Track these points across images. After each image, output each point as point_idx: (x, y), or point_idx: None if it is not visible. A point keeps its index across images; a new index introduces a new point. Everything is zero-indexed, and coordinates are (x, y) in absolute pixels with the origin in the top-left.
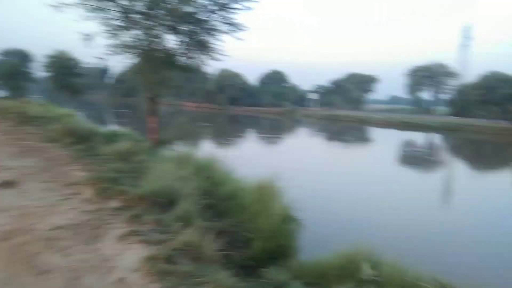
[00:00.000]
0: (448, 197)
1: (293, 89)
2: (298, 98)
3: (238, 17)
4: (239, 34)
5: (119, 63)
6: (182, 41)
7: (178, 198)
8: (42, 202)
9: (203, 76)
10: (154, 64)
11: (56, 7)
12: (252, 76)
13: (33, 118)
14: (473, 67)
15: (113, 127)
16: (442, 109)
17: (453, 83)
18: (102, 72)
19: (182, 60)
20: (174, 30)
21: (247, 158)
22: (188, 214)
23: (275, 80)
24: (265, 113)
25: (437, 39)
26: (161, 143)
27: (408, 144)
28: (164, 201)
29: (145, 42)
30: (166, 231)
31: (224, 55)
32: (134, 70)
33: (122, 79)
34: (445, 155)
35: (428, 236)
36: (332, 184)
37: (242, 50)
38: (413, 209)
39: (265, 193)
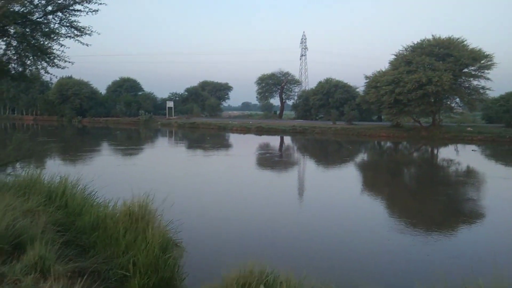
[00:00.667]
0: (301, 192)
1: (148, 97)
2: (154, 106)
3: (83, 20)
4: (85, 39)
5: None
6: (12, 45)
7: (26, 241)
8: None
9: (42, 85)
10: None
11: None
12: (101, 84)
13: None
14: (311, 74)
15: None
16: (289, 113)
17: (297, 89)
18: None
19: (14, 67)
20: (1, 32)
21: (106, 177)
22: (42, 260)
23: (127, 88)
24: (119, 123)
25: (283, 48)
26: None
27: (264, 147)
28: (6, 248)
29: None
30: None
31: (68, 61)
32: None
33: None
34: (296, 155)
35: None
36: (202, 194)
37: (90, 57)
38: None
39: (136, 219)
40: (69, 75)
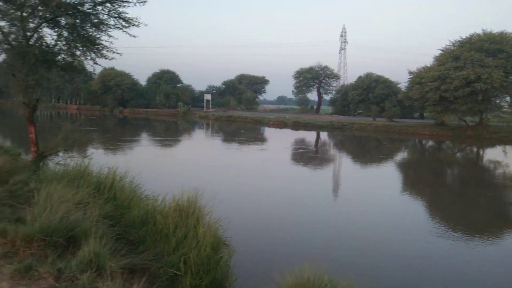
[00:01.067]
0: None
1: (187, 89)
2: (192, 98)
3: (130, 11)
4: (132, 30)
5: None
6: (63, 36)
7: (79, 234)
8: None
9: (86, 76)
10: (29, 62)
11: None
12: (142, 75)
13: None
14: (350, 68)
15: None
16: (326, 108)
17: (335, 83)
18: None
19: (63, 57)
20: (53, 23)
21: (149, 168)
22: (97, 257)
23: (166, 80)
24: (158, 115)
25: (322, 42)
26: (43, 156)
27: (304, 142)
28: (61, 241)
29: (16, 36)
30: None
31: (116, 52)
32: (2, 70)
33: None
34: (337, 152)
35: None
36: (243, 189)
37: (132, 48)
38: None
39: (186, 215)
40: (112, 66)
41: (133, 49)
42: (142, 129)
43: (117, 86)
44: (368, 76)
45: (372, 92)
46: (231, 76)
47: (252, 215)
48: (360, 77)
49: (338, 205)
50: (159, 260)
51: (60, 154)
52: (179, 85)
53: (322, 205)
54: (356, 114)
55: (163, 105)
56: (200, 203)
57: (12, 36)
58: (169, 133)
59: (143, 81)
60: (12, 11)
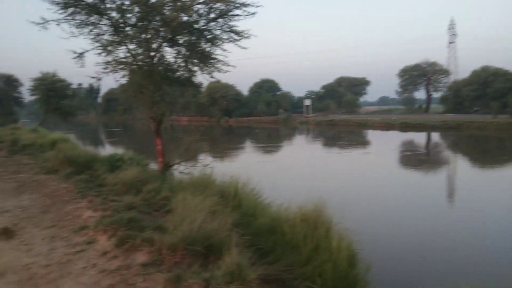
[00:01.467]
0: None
1: (286, 96)
2: (291, 105)
3: (240, 24)
4: (242, 42)
5: (113, 80)
6: (181, 54)
7: (216, 243)
8: (48, 258)
9: (195, 90)
10: (155, 80)
11: (40, 24)
12: (242, 86)
13: (26, 146)
14: (462, 63)
15: (112, 150)
16: (436, 107)
17: (445, 80)
18: (91, 91)
19: (182, 73)
20: (172, 42)
21: (257, 174)
22: (240, 267)
23: (266, 89)
24: (260, 123)
25: (425, 37)
26: (168, 166)
27: (418, 145)
28: (200, 250)
29: (142, 57)
30: None
31: (229, 65)
32: (131, 88)
33: (111, 97)
34: (456, 154)
35: None
36: (358, 195)
37: (236, 61)
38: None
39: (314, 225)
40: (217, 79)
41: (238, 61)
42: (246, 137)
43: (223, 97)
44: (485, 69)
45: (490, 87)
46: (330, 80)
47: (379, 224)
48: (474, 71)
49: (464, 214)
50: (291, 271)
51: (183, 163)
52: (278, 93)
53: (456, 214)
54: (473, 111)
55: (265, 113)
56: (326, 212)
57: (140, 57)
58: (271, 140)
59: (245, 91)
60: (138, 34)
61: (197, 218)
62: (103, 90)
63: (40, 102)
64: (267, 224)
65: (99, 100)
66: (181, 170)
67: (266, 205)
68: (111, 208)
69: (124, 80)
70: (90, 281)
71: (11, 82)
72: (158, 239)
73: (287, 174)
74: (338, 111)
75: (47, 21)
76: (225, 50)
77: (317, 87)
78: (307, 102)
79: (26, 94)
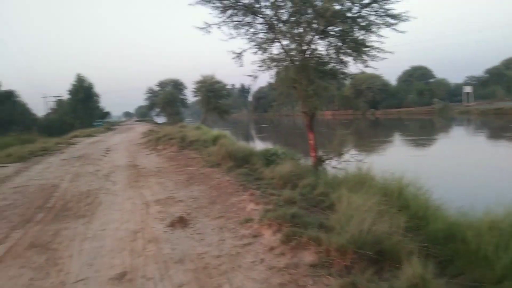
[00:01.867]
0: None
1: (441, 84)
2: (448, 93)
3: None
4: (400, 26)
5: (268, 77)
6: (333, 45)
7: (387, 248)
8: (219, 249)
9: (338, 83)
10: (309, 74)
11: (203, 28)
12: (389, 75)
13: (192, 142)
14: None
15: (263, 145)
16: None
17: None
18: (243, 91)
19: (333, 65)
20: (324, 34)
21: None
22: (422, 280)
23: (417, 77)
24: (412, 114)
25: None
26: (321, 160)
27: None
28: (370, 254)
29: (296, 52)
30: None
31: (386, 51)
32: (285, 84)
33: (260, 96)
34: None
35: None
36: None
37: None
38: None
39: (511, 235)
40: (362, 71)
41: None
42: (394, 129)
43: (368, 89)
44: None
45: None
46: (495, 62)
47: None
48: None
49: None
50: None
51: (335, 158)
52: (431, 80)
53: None
54: None
55: (416, 104)
56: None
57: (292, 52)
58: (423, 132)
59: (393, 81)
60: (290, 29)
61: (366, 218)
62: (253, 89)
63: (201, 102)
64: (444, 230)
65: (250, 98)
66: (333, 165)
67: (437, 207)
68: (272, 202)
69: (277, 77)
70: (259, 278)
71: (177, 86)
72: (326, 239)
73: (447, 171)
74: (508, 98)
75: (209, 25)
76: (381, 36)
77: (478, 72)
78: (468, 89)
79: (190, 96)
